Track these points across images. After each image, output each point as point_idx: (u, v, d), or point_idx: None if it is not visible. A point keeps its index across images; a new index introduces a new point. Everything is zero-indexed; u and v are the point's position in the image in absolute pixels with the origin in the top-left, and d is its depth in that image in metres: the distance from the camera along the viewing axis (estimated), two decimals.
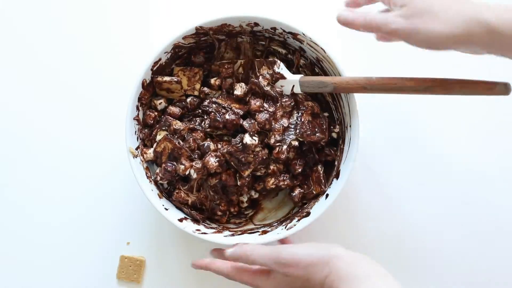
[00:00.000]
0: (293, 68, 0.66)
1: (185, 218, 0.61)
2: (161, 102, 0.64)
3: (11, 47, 0.73)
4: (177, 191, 0.63)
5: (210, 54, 0.67)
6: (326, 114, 0.64)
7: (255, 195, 0.65)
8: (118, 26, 0.73)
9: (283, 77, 0.62)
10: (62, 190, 0.70)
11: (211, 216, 0.64)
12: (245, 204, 0.65)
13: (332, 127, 0.64)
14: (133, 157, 0.60)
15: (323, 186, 0.62)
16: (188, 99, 0.65)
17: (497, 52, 0.45)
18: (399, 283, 0.47)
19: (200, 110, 0.65)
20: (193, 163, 0.60)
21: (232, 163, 0.61)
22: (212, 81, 0.65)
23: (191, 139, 0.62)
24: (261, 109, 0.61)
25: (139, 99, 0.61)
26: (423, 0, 0.47)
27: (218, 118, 0.62)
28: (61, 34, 0.73)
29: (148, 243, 0.69)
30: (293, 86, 0.61)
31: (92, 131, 0.71)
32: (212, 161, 0.60)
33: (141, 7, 0.73)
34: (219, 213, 0.64)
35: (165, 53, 0.61)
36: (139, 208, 0.69)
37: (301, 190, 0.63)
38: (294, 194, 0.63)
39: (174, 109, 0.64)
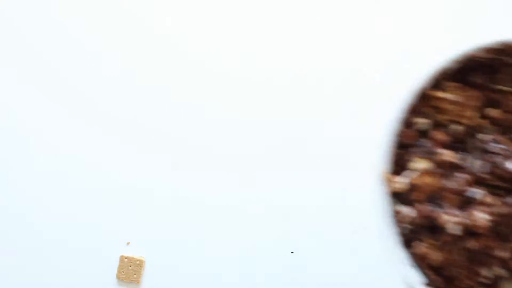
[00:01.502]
0: None
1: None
2: (425, 122, 0.50)
3: (12, 47, 0.69)
4: (418, 242, 0.48)
5: (485, 77, 0.52)
6: None
7: (502, 272, 0.49)
8: None
9: None
10: (61, 189, 0.68)
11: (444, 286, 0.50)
12: (483, 280, 0.50)
13: None
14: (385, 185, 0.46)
15: None
16: (455, 126, 0.51)
17: None
18: None
19: (469, 145, 0.50)
20: (458, 214, 0.46)
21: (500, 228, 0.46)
22: (492, 111, 0.51)
23: (459, 180, 0.47)
24: None
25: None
26: None
27: (505, 166, 0.47)
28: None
29: (148, 243, 0.67)
30: None
31: (93, 131, 0.68)
32: (481, 217, 0.46)
33: None
34: (459, 284, 0.48)
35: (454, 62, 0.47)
36: (139, 207, 0.67)
37: None
38: None
39: (441, 135, 0.50)
